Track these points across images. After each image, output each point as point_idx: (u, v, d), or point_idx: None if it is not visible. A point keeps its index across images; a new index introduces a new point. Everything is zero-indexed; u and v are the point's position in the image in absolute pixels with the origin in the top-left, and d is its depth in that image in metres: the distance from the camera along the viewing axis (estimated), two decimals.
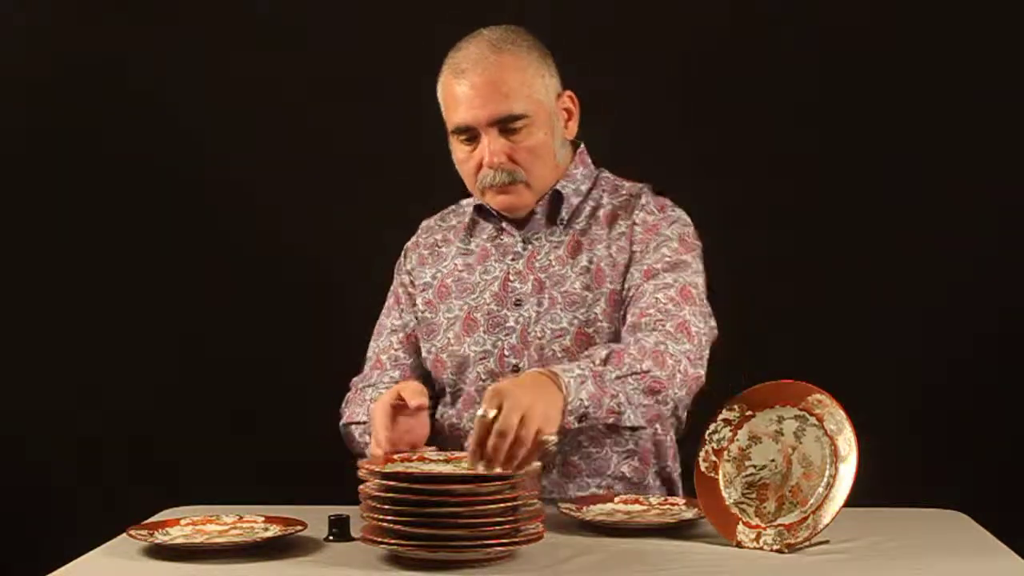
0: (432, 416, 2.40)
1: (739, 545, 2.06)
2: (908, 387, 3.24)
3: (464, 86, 2.33)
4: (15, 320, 3.39)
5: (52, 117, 3.39)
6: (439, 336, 2.43)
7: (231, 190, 3.37)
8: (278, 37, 3.36)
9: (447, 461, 2.06)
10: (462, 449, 2.33)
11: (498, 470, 1.91)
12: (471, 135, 2.35)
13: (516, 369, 2.36)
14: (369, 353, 2.52)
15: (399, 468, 2.00)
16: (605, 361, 2.11)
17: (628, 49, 3.27)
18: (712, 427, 2.15)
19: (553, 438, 1.96)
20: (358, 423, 2.41)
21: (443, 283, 2.46)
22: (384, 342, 2.50)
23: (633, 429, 2.27)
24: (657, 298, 2.27)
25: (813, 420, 2.09)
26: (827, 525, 2.03)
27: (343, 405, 2.49)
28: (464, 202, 2.53)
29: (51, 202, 3.39)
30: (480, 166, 2.36)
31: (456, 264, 2.47)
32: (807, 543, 2.03)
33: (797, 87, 3.28)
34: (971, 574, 1.96)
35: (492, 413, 1.91)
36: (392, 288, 2.55)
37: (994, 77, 3.24)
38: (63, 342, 3.39)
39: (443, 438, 2.41)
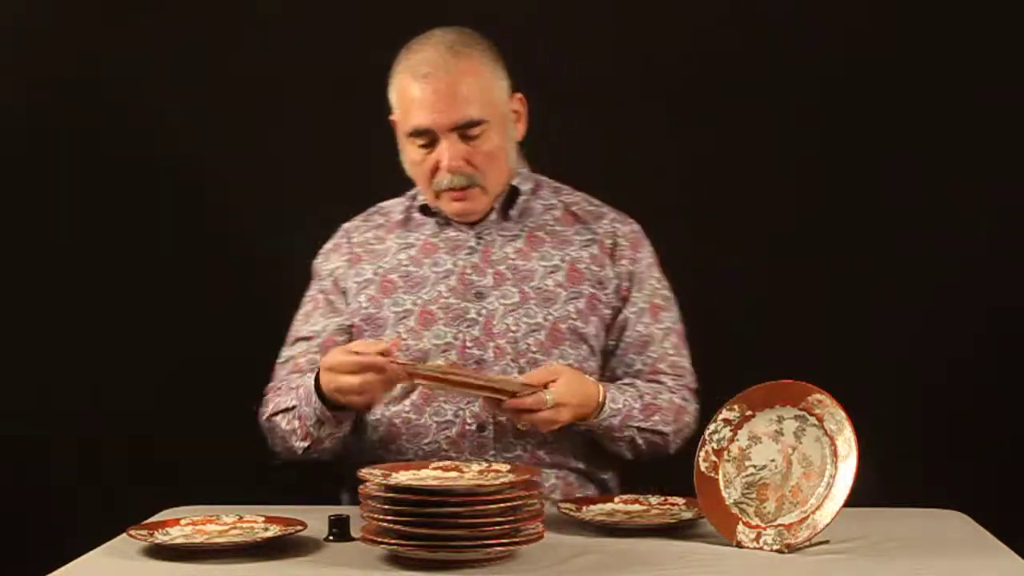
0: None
1: (739, 545, 2.06)
2: (908, 387, 3.23)
3: (426, 90, 2.36)
4: (15, 320, 3.39)
5: (52, 117, 3.38)
6: (388, 331, 2.44)
7: (230, 190, 3.36)
8: (278, 37, 3.36)
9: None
10: (423, 451, 2.35)
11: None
12: (429, 139, 2.37)
13: (479, 362, 2.37)
14: (281, 359, 2.53)
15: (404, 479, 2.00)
16: (643, 409, 2.39)
17: (627, 49, 3.27)
18: (712, 427, 2.15)
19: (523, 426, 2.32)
20: (285, 410, 2.39)
21: (387, 278, 2.48)
22: (300, 347, 2.51)
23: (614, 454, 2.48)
24: (664, 348, 2.48)
25: (813, 420, 2.09)
26: (827, 525, 2.03)
27: (262, 406, 2.48)
28: (383, 205, 2.58)
29: (51, 202, 3.38)
30: (435, 169, 2.39)
31: (400, 259, 2.48)
32: (807, 543, 2.03)
33: (797, 87, 3.27)
34: (971, 574, 1.96)
35: (549, 404, 2.23)
36: (309, 294, 2.56)
37: (994, 77, 3.24)
38: (63, 342, 3.38)
39: (399, 435, 2.41)
